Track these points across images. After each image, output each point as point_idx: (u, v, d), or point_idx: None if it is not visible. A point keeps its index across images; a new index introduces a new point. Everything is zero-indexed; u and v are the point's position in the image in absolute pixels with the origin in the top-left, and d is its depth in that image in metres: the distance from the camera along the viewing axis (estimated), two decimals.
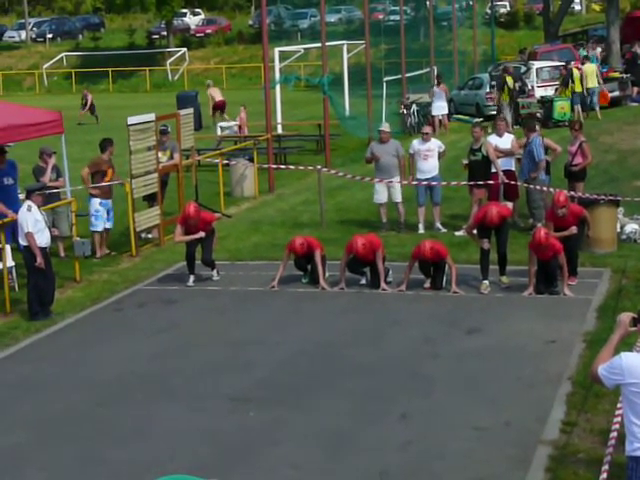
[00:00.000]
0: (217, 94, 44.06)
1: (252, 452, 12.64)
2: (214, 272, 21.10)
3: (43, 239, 18.62)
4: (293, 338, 16.90)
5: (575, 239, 19.24)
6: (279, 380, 15.25)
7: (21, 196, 20.93)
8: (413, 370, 15.23)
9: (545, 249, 18.41)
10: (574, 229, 19.06)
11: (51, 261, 19.29)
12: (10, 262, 20.19)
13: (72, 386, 15.31)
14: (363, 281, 20.05)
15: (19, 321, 18.76)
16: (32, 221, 18.53)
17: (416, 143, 24.31)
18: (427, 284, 19.62)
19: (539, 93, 42.35)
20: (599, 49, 52.50)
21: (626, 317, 8.59)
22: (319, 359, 15.79)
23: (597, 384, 9.13)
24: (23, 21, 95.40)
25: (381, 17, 48.36)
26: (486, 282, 19.14)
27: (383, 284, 19.50)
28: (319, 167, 27.74)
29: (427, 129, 25.88)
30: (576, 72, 41.00)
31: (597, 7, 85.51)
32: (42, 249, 18.62)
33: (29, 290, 19.04)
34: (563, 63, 44.30)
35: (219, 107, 44.13)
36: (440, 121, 40.34)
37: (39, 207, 18.81)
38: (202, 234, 20.69)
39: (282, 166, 31.46)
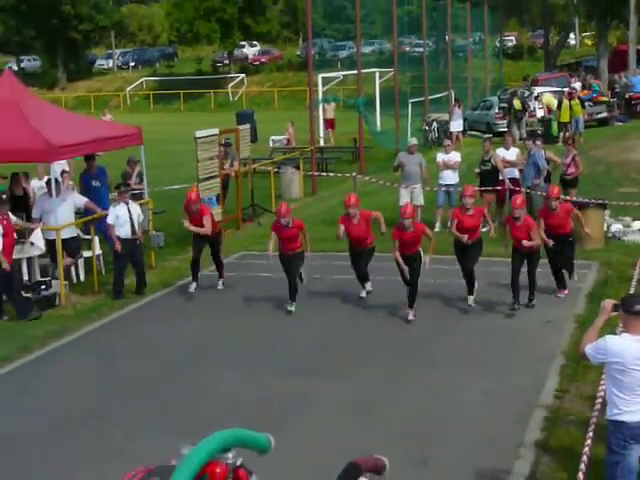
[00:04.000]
0: (330, 113, 43.94)
1: (294, 414, 12.71)
2: (220, 282, 19.43)
3: (122, 231, 18.79)
4: (329, 318, 16.95)
5: (571, 249, 17.93)
6: (316, 353, 15.33)
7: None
8: (430, 347, 15.25)
9: (556, 213, 17.39)
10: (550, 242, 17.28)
11: (141, 250, 19.52)
12: (98, 250, 20.34)
13: (147, 355, 15.40)
14: (363, 294, 17.85)
15: (105, 299, 18.88)
16: (113, 216, 18.86)
17: (440, 155, 24.41)
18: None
19: (539, 114, 42.19)
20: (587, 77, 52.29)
21: (608, 304, 8.82)
22: (352, 336, 15.79)
23: (584, 360, 9.39)
24: (111, 52, 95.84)
25: (407, 49, 48.24)
26: (471, 297, 17.16)
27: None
28: (354, 174, 27.81)
29: (448, 142, 26.08)
30: (565, 102, 40.67)
31: (589, 42, 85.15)
32: (123, 239, 18.83)
33: (115, 273, 19.29)
34: (560, 89, 44.29)
35: (329, 124, 44.45)
36: (457, 136, 40.22)
37: (127, 204, 19.01)
38: (205, 230, 18.51)
39: (323, 173, 31.49)
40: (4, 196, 18.68)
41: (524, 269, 16.92)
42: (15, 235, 18.03)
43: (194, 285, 18.83)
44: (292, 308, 17.37)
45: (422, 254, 16.53)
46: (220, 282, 19.35)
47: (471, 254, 17.36)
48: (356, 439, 11.53)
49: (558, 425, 11.99)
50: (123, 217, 18.95)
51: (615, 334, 9.10)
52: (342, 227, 17.38)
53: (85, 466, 11.13)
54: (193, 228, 18.71)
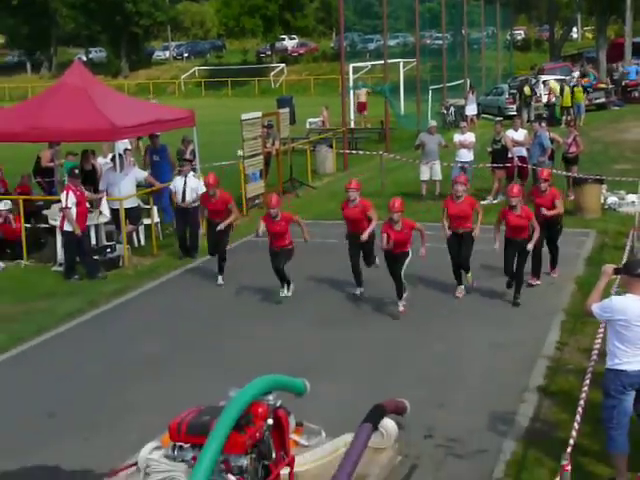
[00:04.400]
0: (362, 97, 43.76)
1: (324, 361, 12.79)
2: (219, 278, 17.20)
3: (177, 200, 19.13)
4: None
5: (556, 232, 16.30)
6: (346, 307, 15.40)
7: None
8: (445, 304, 15.28)
9: (545, 195, 15.93)
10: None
11: (197, 218, 19.36)
12: (156, 218, 20.52)
13: (199, 310, 15.52)
14: (357, 292, 16.02)
15: (162, 261, 19.05)
16: (173, 185, 19.33)
17: (457, 135, 24.41)
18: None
19: (545, 99, 41.97)
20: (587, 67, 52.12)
21: (609, 268, 8.95)
22: (379, 294, 15.81)
23: (589, 317, 9.62)
24: (167, 44, 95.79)
25: (428, 42, 47.98)
26: (461, 287, 15.69)
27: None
28: (381, 152, 27.85)
29: (464, 124, 26.11)
30: (566, 89, 40.61)
31: (589, 35, 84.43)
32: (179, 206, 19.20)
33: (177, 236, 19.73)
34: (563, 77, 44.17)
35: (361, 108, 44.01)
36: (471, 119, 40.08)
37: (185, 177, 19.15)
38: (235, 216, 17.31)
39: (353, 151, 31.48)
40: (76, 171, 18.82)
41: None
42: (87, 205, 18.21)
43: (220, 278, 17.21)
44: (287, 293, 15.98)
45: (410, 254, 14.60)
46: (220, 278, 17.22)
47: (464, 248, 15.47)
48: (378, 384, 11.62)
49: (558, 373, 12.03)
50: (179, 187, 19.14)
51: (611, 295, 9.12)
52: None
53: (146, 405, 11.25)
54: (202, 218, 17.98)
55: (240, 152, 23.58)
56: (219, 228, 16.59)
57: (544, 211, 15.72)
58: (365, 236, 15.21)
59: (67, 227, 17.60)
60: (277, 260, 15.77)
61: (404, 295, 14.77)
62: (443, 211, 15.74)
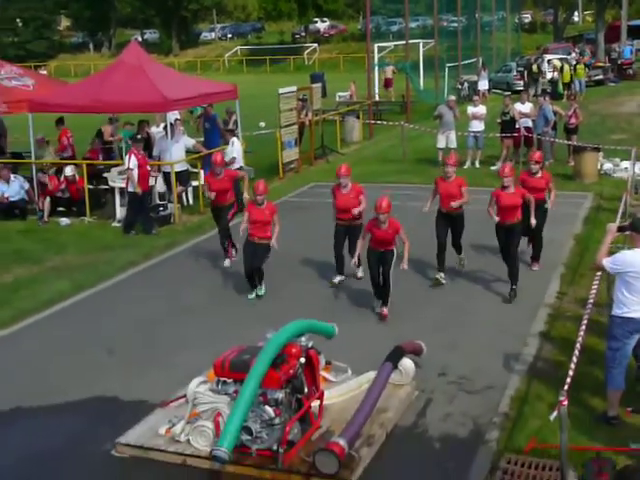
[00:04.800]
0: (389, 73, 43.51)
1: (350, 310, 12.80)
2: (226, 260, 15.26)
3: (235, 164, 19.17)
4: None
5: (541, 224, 14.11)
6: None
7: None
8: (449, 257, 15.20)
9: (537, 178, 14.09)
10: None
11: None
12: (203, 181, 20.55)
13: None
14: (336, 280, 14.09)
15: (209, 218, 19.02)
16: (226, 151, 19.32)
17: (469, 108, 24.28)
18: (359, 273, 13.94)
19: (548, 76, 41.63)
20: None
21: (614, 226, 9.18)
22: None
23: (599, 271, 9.69)
24: (213, 26, 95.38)
25: (445, 24, 47.51)
26: (441, 273, 13.85)
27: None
28: (402, 123, 27.67)
29: (476, 98, 25.93)
30: (566, 67, 40.33)
31: (590, 18, 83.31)
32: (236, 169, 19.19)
33: None
34: (566, 56, 43.83)
35: (388, 84, 43.51)
36: (483, 93, 39.82)
37: (232, 143, 19.36)
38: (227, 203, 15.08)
39: (378, 122, 31.32)
40: (139, 136, 18.92)
41: None
42: (149, 167, 18.21)
43: (227, 261, 15.30)
44: (262, 292, 13.55)
45: (395, 253, 12.38)
46: (227, 260, 15.31)
47: (455, 230, 14.03)
48: (397, 329, 11.62)
49: (558, 320, 12.00)
50: (229, 152, 19.26)
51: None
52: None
53: (194, 345, 11.32)
54: (210, 194, 15.03)
55: (262, 124, 23.62)
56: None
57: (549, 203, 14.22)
58: (356, 212, 13.48)
59: (130, 187, 17.69)
60: (256, 258, 13.14)
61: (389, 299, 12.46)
62: (433, 189, 14.04)
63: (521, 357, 10.72)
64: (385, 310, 12.37)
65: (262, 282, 13.53)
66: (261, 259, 13.18)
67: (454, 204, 13.61)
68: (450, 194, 13.73)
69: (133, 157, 17.58)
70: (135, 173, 17.51)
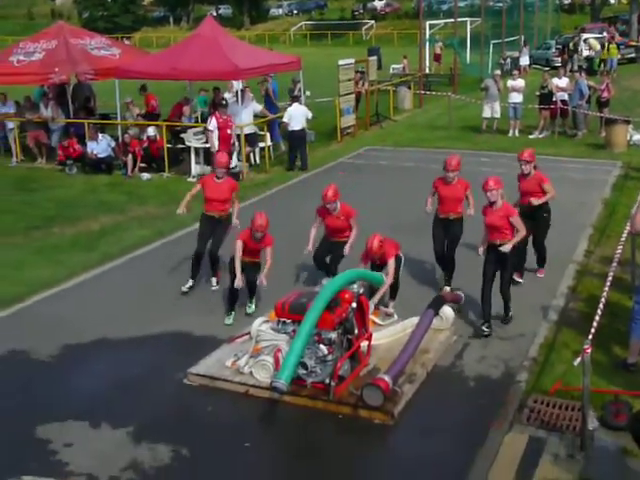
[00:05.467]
0: (438, 49, 43.06)
1: None
2: (213, 280, 11.72)
3: (294, 125, 19.48)
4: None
5: (543, 230, 11.56)
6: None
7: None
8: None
9: (528, 179, 11.24)
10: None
11: (305, 140, 19.96)
12: (269, 142, 20.59)
13: (300, 214, 15.54)
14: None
15: (274, 176, 19.19)
16: (288, 115, 19.60)
17: (509, 81, 23.95)
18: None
19: (585, 53, 40.78)
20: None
21: None
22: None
23: (637, 235, 9.67)
24: (281, 3, 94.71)
25: (491, 3, 46.63)
26: (447, 288, 11.04)
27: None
28: (449, 94, 27.42)
29: (516, 72, 25.59)
30: (606, 45, 39.44)
31: (624, 0, 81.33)
32: (293, 131, 19.47)
33: (288, 155, 20.02)
34: (601, 35, 42.86)
35: (437, 58, 43.02)
36: (524, 68, 39.19)
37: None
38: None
39: (427, 92, 31.02)
40: (224, 101, 18.96)
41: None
42: (229, 131, 18.07)
43: (190, 283, 11.62)
44: (253, 308, 10.76)
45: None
46: (214, 280, 11.79)
47: (449, 238, 11.15)
48: (436, 283, 11.58)
49: (585, 276, 11.88)
50: (294, 116, 19.45)
51: None
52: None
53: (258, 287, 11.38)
54: (189, 196, 11.81)
55: (308, 93, 23.52)
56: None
57: (532, 201, 11.18)
58: (347, 250, 10.75)
59: (215, 146, 17.67)
60: (251, 273, 10.54)
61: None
62: (432, 192, 11.28)
63: (550, 309, 10.66)
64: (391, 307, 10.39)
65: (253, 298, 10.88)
66: (255, 274, 10.51)
67: (470, 214, 10.99)
68: (451, 198, 11.01)
69: (214, 120, 17.68)
70: (215, 135, 17.61)
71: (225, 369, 8.88)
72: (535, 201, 11.23)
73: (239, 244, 10.35)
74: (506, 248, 9.63)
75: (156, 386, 8.85)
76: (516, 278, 11.15)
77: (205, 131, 18.31)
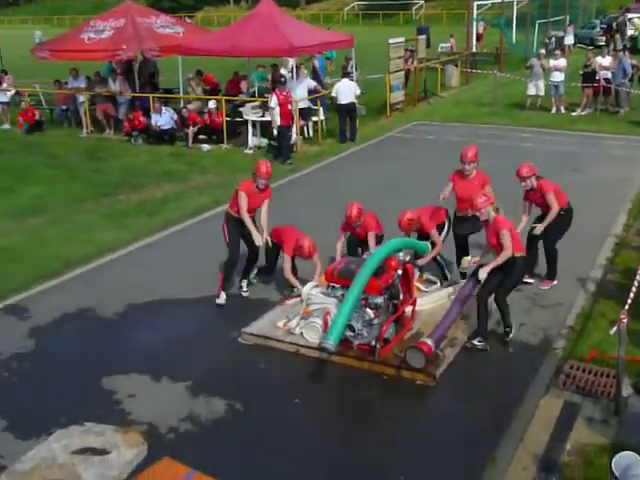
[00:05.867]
0: (480, 29, 42.39)
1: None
2: (244, 284, 10.30)
3: (342, 99, 19.37)
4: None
5: (553, 232, 9.92)
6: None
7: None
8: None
9: (532, 193, 9.79)
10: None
11: (356, 113, 19.96)
12: (322, 117, 20.50)
13: (353, 182, 15.52)
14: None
15: (326, 149, 19.12)
16: (335, 89, 19.62)
17: (551, 61, 23.47)
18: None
19: (629, 32, 39.78)
20: None
21: None
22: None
23: None
24: None
25: None
26: (467, 257, 9.80)
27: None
28: (495, 71, 27.00)
29: (557, 52, 25.04)
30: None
31: None
32: (343, 104, 19.39)
33: (340, 126, 19.87)
34: None
35: (479, 38, 42.26)
36: (569, 47, 38.41)
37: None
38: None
39: (473, 70, 30.59)
40: (283, 79, 18.93)
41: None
42: (289, 106, 18.00)
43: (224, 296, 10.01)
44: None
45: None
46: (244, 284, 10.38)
47: (471, 231, 10.03)
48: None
49: (623, 249, 11.66)
50: (342, 90, 19.32)
51: None
52: None
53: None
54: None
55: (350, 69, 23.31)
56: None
57: (535, 231, 9.94)
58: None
59: (277, 122, 17.71)
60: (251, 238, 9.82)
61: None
62: (451, 187, 10.10)
63: (588, 280, 10.50)
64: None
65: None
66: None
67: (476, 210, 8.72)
68: (466, 198, 9.56)
69: (274, 97, 17.70)
70: (276, 111, 17.62)
71: (277, 329, 8.94)
72: (538, 230, 9.88)
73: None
74: (481, 275, 8.47)
75: (213, 344, 8.94)
76: (527, 279, 9.84)
77: (267, 108, 18.36)
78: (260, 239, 9.74)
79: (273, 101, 17.70)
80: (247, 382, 8.12)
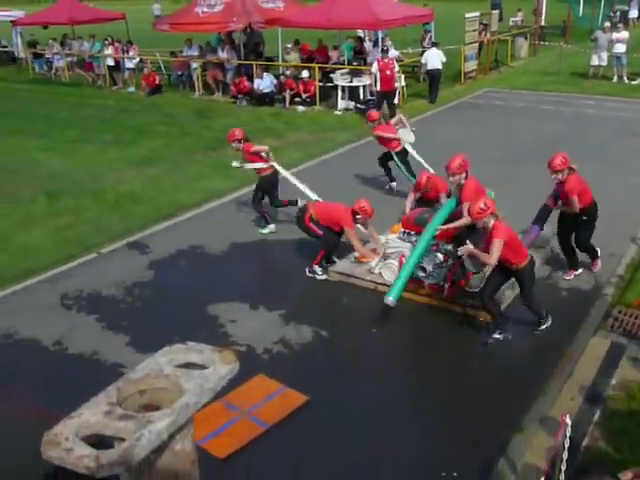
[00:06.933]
0: (542, 4, 40.94)
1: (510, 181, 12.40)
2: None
3: (430, 65, 19.26)
4: (538, 131, 16.17)
5: (583, 233, 8.54)
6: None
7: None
8: (602, 152, 14.33)
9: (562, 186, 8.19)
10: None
11: (438, 79, 19.70)
12: (403, 82, 20.08)
13: (437, 142, 15.25)
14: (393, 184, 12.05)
15: (408, 111, 18.72)
16: (424, 57, 19.51)
17: (614, 34, 22.39)
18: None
19: None
20: None
21: None
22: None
23: None
24: None
25: None
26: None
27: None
28: (561, 43, 25.97)
29: (620, 25, 23.82)
30: None
31: None
32: (431, 70, 19.32)
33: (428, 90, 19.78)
34: None
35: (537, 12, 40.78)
36: (632, 20, 36.62)
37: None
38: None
39: (541, 42, 29.49)
40: (385, 47, 18.60)
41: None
42: (388, 72, 17.52)
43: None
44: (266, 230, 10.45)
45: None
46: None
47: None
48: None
49: None
50: (430, 58, 19.28)
51: None
52: None
53: (384, 201, 11.31)
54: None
55: (389, 44, 22.57)
56: None
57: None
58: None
59: (376, 87, 17.45)
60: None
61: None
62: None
63: (638, 235, 10.16)
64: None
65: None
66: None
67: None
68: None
69: (376, 63, 17.57)
70: (377, 76, 17.43)
71: (359, 269, 8.98)
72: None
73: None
74: (461, 251, 7.24)
75: (303, 279, 9.05)
76: (565, 277, 8.78)
77: (356, 75, 18.34)
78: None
79: (374, 67, 17.58)
80: (332, 313, 8.23)
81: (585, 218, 8.43)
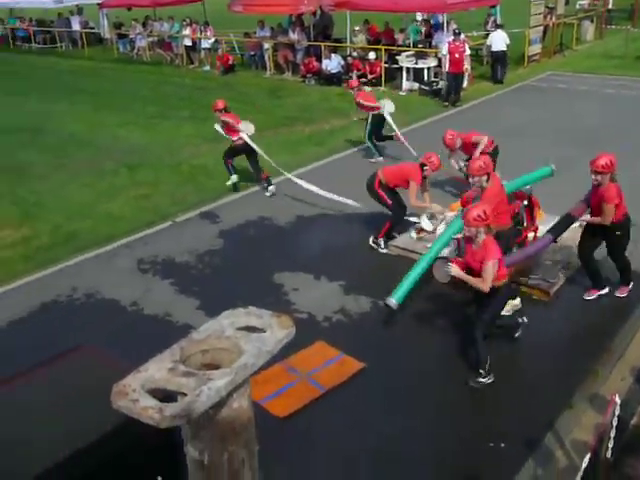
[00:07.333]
0: None
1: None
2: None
3: (495, 47, 18.86)
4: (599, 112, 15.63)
5: (616, 250, 7.46)
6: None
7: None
8: (620, 135, 13.77)
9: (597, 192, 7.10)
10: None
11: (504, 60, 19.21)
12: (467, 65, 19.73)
13: (491, 122, 14.91)
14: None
15: (472, 93, 18.38)
16: (490, 39, 19.16)
17: None
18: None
19: None
20: None
21: None
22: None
23: None
24: None
25: None
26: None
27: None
28: (628, 27, 25.01)
29: None
30: None
31: None
32: (496, 52, 18.91)
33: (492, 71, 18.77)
34: None
35: None
36: None
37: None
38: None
39: (608, 26, 28.41)
40: (456, 31, 18.24)
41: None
42: (457, 55, 17.13)
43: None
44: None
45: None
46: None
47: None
48: None
49: None
50: (495, 40, 18.83)
51: None
52: None
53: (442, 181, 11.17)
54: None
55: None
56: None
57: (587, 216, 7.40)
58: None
59: (448, 69, 17.18)
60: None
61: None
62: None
63: None
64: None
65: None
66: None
67: None
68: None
69: (446, 45, 17.28)
70: (446, 58, 17.16)
71: (417, 244, 8.90)
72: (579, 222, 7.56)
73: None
74: (451, 272, 6.12)
75: (364, 252, 9.04)
76: (586, 297, 7.67)
77: (421, 57, 18.08)
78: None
79: (444, 49, 17.36)
80: (390, 285, 8.16)
81: (618, 233, 7.21)
